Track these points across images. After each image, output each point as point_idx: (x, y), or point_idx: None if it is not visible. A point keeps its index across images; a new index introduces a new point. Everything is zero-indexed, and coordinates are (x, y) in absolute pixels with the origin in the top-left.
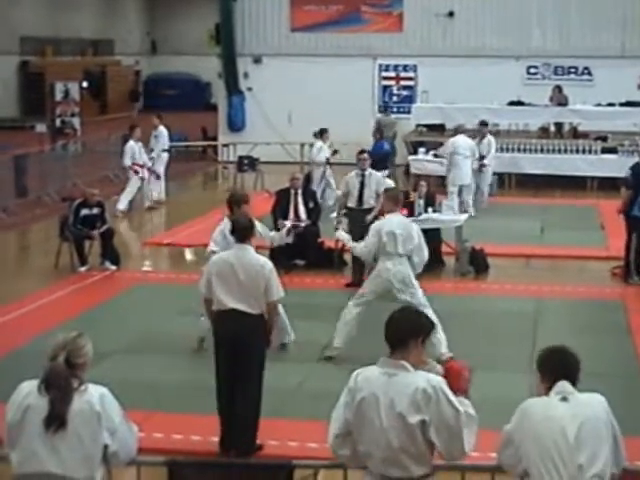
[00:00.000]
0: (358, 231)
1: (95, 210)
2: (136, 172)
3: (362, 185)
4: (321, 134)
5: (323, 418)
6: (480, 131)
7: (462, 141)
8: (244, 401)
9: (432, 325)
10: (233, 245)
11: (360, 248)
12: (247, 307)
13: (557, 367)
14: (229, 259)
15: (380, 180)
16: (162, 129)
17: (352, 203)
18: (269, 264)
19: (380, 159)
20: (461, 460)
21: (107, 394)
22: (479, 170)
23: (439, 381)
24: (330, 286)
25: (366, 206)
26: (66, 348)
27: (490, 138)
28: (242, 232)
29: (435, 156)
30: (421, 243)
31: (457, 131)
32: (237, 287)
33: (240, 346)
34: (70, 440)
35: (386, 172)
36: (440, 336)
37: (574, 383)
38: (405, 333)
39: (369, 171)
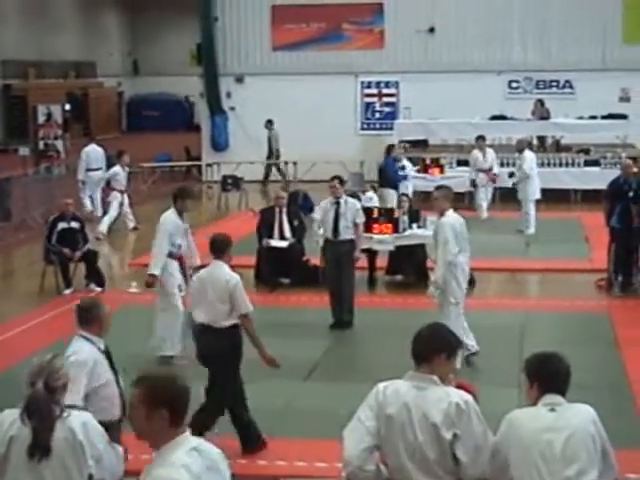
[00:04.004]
0: (332, 263)
1: (73, 224)
2: (106, 196)
3: (337, 215)
4: None
5: (312, 437)
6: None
7: (533, 156)
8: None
9: (458, 342)
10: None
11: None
12: (211, 321)
13: (547, 377)
14: (204, 274)
15: (357, 209)
16: (92, 149)
17: (328, 233)
18: (235, 279)
19: None
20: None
21: (89, 421)
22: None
23: (470, 398)
24: (315, 304)
25: (342, 237)
26: (43, 373)
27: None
28: (217, 249)
29: (511, 175)
30: None
31: (524, 145)
32: (206, 302)
33: (207, 360)
34: (55, 468)
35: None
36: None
37: (564, 393)
38: (430, 349)
39: (344, 199)
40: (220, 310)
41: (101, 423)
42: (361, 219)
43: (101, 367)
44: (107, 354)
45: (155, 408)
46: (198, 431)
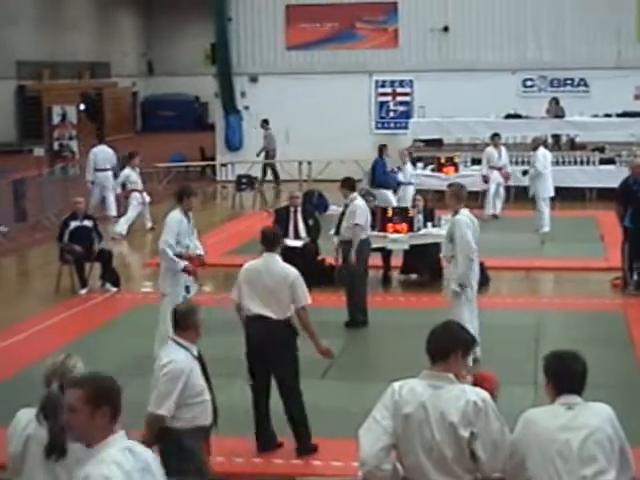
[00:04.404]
0: (345, 263)
1: (86, 222)
2: (126, 197)
3: (342, 215)
4: None
5: (328, 435)
6: (495, 142)
7: (547, 154)
8: (292, 406)
9: (473, 340)
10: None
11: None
12: (272, 313)
13: (564, 376)
14: (258, 266)
15: (354, 211)
16: (100, 149)
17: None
18: (294, 272)
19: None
20: (496, 474)
21: None
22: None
23: (487, 395)
24: (332, 303)
25: (341, 238)
26: (57, 373)
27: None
28: (270, 241)
29: (525, 173)
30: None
31: (538, 143)
32: (264, 293)
33: (268, 353)
34: (71, 468)
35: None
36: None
37: (580, 392)
38: (446, 346)
39: (350, 198)
40: (281, 302)
41: (194, 429)
42: (355, 220)
43: (196, 375)
44: (200, 360)
45: (99, 406)
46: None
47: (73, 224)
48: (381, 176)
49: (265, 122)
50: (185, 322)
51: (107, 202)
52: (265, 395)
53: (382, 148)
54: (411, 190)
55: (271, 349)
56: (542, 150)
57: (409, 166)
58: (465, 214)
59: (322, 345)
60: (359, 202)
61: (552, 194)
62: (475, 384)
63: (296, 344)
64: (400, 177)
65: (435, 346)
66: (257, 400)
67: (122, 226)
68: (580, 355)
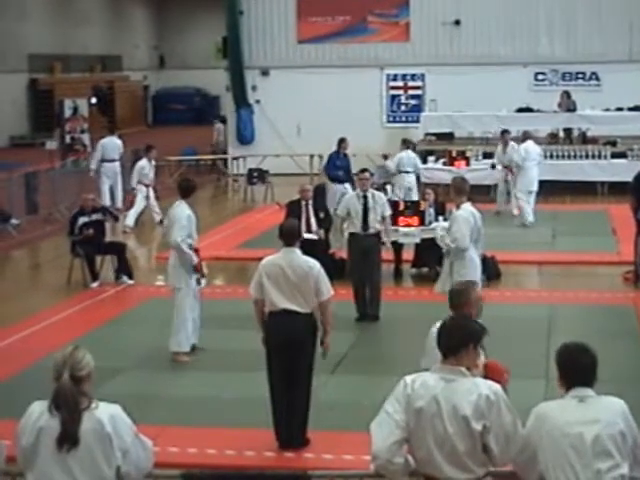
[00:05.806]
0: (359, 257)
1: (95, 216)
2: (132, 189)
3: (366, 208)
4: None
5: (338, 429)
6: (504, 139)
7: (532, 147)
8: (299, 395)
9: (483, 330)
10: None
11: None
12: (298, 307)
13: (574, 369)
14: (278, 261)
15: (384, 202)
16: (109, 140)
17: (355, 229)
18: (317, 265)
19: None
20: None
21: (117, 413)
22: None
23: (499, 388)
24: (342, 297)
25: (372, 231)
26: (67, 365)
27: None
28: (289, 236)
29: (493, 166)
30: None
31: (526, 137)
32: (287, 288)
33: (293, 345)
34: (83, 460)
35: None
36: None
37: (591, 385)
38: (456, 341)
39: (371, 192)
40: (305, 295)
41: None
42: (389, 212)
43: None
44: None
45: None
46: (303, 429)
47: (82, 220)
48: (332, 169)
49: (217, 117)
50: (460, 300)
51: (115, 194)
52: (286, 390)
53: (340, 142)
54: (406, 179)
55: (298, 341)
56: (526, 144)
57: (404, 154)
58: (466, 209)
59: (327, 340)
60: (382, 194)
61: (534, 188)
62: (486, 376)
63: (317, 337)
64: (389, 164)
65: (446, 342)
66: (276, 396)
67: (131, 219)
68: (589, 347)
